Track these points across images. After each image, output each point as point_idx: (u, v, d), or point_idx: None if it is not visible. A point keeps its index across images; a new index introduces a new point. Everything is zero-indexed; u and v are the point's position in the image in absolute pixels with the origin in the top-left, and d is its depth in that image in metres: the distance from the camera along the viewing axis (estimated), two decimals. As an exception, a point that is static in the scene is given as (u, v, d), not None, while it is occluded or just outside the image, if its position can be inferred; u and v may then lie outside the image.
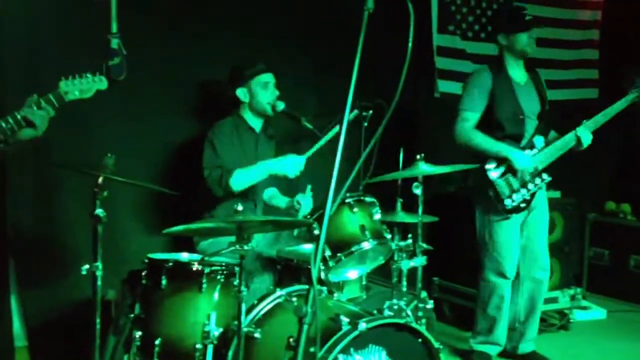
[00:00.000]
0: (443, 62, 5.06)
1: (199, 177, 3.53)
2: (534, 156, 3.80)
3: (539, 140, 3.83)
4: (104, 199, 2.82)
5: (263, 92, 3.67)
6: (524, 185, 3.77)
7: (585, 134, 3.84)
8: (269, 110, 3.68)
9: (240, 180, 3.45)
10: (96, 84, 2.88)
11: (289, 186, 3.90)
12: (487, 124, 3.79)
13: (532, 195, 3.81)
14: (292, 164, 3.50)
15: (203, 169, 3.50)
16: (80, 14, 3.70)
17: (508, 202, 3.76)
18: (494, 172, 3.76)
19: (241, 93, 3.68)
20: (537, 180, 3.80)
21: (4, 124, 2.66)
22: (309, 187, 3.63)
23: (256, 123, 3.76)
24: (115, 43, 3.75)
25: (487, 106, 3.78)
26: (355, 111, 3.81)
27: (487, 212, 3.84)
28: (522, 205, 3.79)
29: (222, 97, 3.79)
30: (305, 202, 3.62)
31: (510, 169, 3.75)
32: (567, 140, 3.85)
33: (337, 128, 3.21)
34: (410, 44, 1.65)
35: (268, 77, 3.69)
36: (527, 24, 3.78)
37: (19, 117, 2.67)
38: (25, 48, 3.61)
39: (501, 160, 3.75)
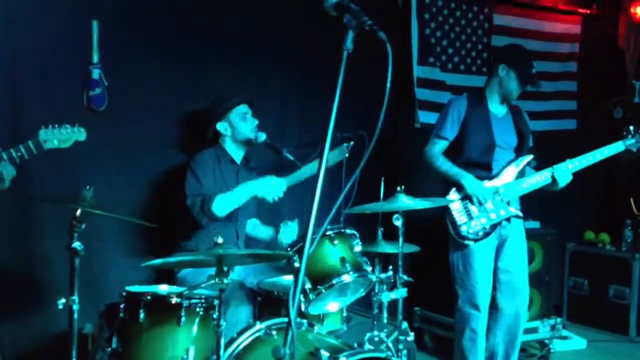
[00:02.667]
0: (423, 93, 5.11)
1: (179, 208, 3.51)
2: (504, 186, 3.80)
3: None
4: (82, 231, 2.80)
5: (243, 122, 3.73)
6: (484, 213, 3.78)
7: (563, 173, 3.81)
8: (252, 138, 3.72)
9: (222, 205, 3.43)
10: (74, 135, 2.94)
11: (273, 216, 3.90)
12: (457, 150, 3.86)
13: (494, 225, 3.80)
14: (272, 186, 3.53)
15: (186, 197, 3.49)
16: (62, 44, 3.70)
17: (463, 230, 3.78)
18: (451, 195, 3.80)
19: (222, 127, 3.73)
20: (502, 212, 3.80)
21: None
22: (296, 220, 3.68)
23: (237, 154, 3.79)
24: (96, 74, 3.75)
25: (459, 133, 3.85)
26: (344, 146, 3.78)
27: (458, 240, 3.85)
28: (481, 234, 3.78)
29: (202, 130, 3.80)
30: (290, 230, 3.65)
31: (469, 196, 3.77)
32: (542, 178, 3.83)
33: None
34: (388, 85, 1.67)
35: (245, 108, 3.75)
36: (530, 77, 3.85)
37: None
38: (7, 82, 3.60)
39: (461, 187, 3.79)
